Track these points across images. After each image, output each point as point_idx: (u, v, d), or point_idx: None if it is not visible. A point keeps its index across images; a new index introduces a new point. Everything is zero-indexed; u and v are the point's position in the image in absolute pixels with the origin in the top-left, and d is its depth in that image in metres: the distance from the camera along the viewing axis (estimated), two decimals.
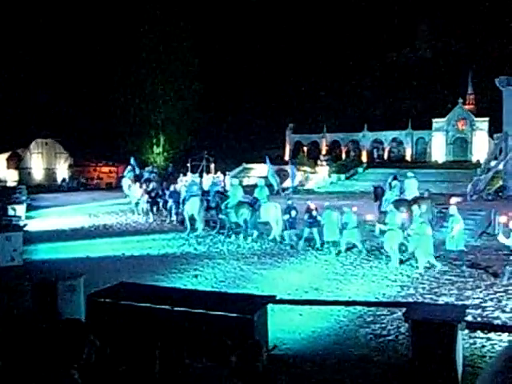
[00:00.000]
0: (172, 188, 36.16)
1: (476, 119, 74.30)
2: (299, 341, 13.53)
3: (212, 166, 61.30)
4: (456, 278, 19.34)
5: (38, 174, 72.58)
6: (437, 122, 76.49)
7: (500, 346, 12.79)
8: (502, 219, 21.73)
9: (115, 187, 58.53)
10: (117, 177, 68.75)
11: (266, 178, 37.57)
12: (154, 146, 73.44)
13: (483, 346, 12.98)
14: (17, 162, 71.34)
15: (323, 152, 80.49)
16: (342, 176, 65.69)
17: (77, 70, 71.89)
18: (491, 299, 16.85)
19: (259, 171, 65.90)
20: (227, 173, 50.41)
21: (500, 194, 42.11)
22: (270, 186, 33.38)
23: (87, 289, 13.86)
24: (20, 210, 34.87)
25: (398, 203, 25.51)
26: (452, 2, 79.11)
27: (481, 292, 17.62)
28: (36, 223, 33.75)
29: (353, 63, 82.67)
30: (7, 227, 26.23)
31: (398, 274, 20.24)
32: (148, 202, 36.56)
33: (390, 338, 13.86)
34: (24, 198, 40.61)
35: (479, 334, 13.55)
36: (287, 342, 13.19)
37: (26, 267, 21.64)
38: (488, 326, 14.26)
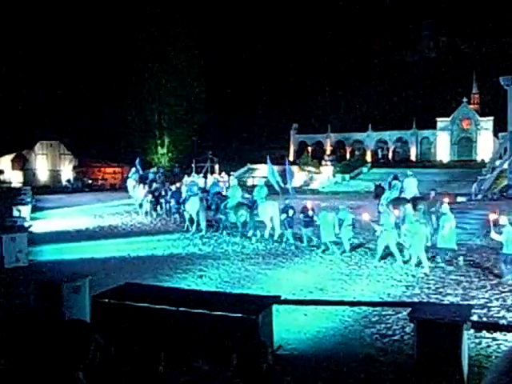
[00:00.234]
0: (174, 188, 36.27)
1: (480, 118, 74.24)
2: (304, 341, 13.52)
3: (216, 166, 61.33)
4: (461, 278, 19.32)
5: (42, 175, 72.60)
6: (441, 122, 76.46)
7: (506, 346, 12.77)
8: (492, 217, 21.98)
9: (120, 188, 58.51)
10: (121, 178, 68.79)
11: (267, 177, 37.65)
12: (159, 147, 73.49)
13: (489, 346, 12.96)
14: (22, 163, 71.32)
15: (328, 152, 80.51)
16: (347, 176, 65.69)
17: (81, 71, 71.95)
18: (497, 299, 16.82)
19: (264, 172, 65.92)
20: (232, 173, 50.43)
21: (505, 193, 42.03)
22: (270, 186, 33.50)
23: (92, 290, 13.87)
24: (25, 211, 34.91)
25: (397, 202, 25.65)
26: (456, 2, 79.04)
27: (486, 292, 17.59)
28: (41, 224, 33.77)
29: (357, 63, 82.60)
30: (12, 228, 26.29)
31: (403, 273, 20.22)
32: (151, 202, 36.72)
33: (395, 338, 13.84)
34: (29, 199, 40.62)
35: (485, 333, 13.53)
36: (292, 342, 13.18)
37: (31, 268, 21.68)
38: (493, 326, 14.23)
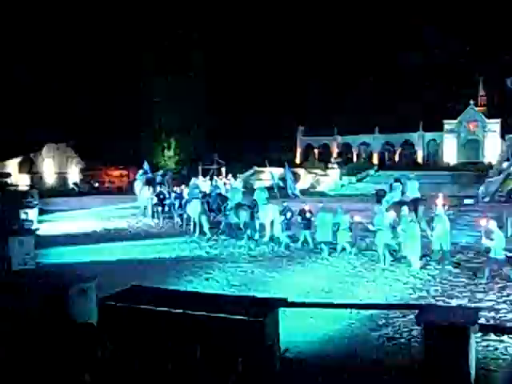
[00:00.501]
0: (179, 190, 36.52)
1: (488, 121, 74.07)
2: (311, 344, 13.51)
3: (223, 169, 61.36)
4: (468, 281, 19.30)
5: (49, 178, 72.73)
6: (448, 124, 76.35)
7: None
8: (483, 222, 22.31)
9: (126, 191, 58.56)
10: (128, 180, 68.86)
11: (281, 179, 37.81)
12: (166, 150, 73.58)
13: (496, 349, 12.95)
14: (29, 166, 71.44)
15: (334, 155, 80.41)
16: (353, 178, 65.60)
17: (88, 75, 72.03)
18: (504, 301, 16.80)
19: (269, 174, 65.92)
20: (238, 175, 50.54)
21: None
22: (283, 188, 33.75)
23: (99, 292, 13.88)
24: (32, 214, 34.94)
25: (398, 204, 25.74)
26: (463, 4, 78.88)
27: (493, 294, 17.57)
28: (48, 227, 33.85)
29: (364, 65, 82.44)
30: (19, 231, 26.31)
31: (409, 276, 20.21)
32: (155, 204, 36.92)
33: (402, 340, 13.83)
34: (36, 202, 40.63)
35: (492, 336, 13.50)
36: (299, 345, 13.16)
37: (39, 271, 21.70)
38: (501, 329, 14.21)
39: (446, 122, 76.23)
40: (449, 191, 40.72)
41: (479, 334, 12.70)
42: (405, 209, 23.60)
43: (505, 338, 13.53)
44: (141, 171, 43.32)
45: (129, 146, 68.49)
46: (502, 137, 70.41)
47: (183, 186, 38.17)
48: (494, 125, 73.06)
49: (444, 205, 27.16)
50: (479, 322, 11.92)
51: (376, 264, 22.21)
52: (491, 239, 19.43)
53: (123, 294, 13.11)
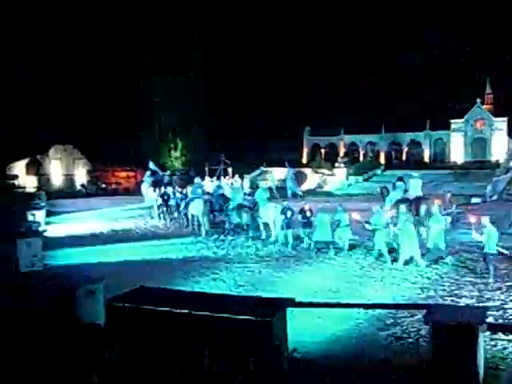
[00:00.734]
0: (184, 191, 36.69)
1: (495, 119, 74.09)
2: (319, 344, 13.49)
3: (229, 169, 61.40)
4: (476, 280, 19.24)
5: (56, 179, 72.85)
6: (455, 123, 76.39)
7: None
8: (473, 218, 22.57)
9: (134, 192, 58.65)
10: (135, 181, 68.98)
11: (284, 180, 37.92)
12: (172, 151, 73.64)
13: (505, 348, 12.90)
14: (36, 168, 71.57)
15: (341, 154, 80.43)
16: (360, 178, 65.65)
17: (94, 77, 72.15)
18: None
19: (276, 174, 65.92)
20: (245, 176, 50.58)
21: None
22: (282, 188, 33.93)
23: (107, 293, 13.89)
24: (39, 215, 35.02)
25: (400, 202, 25.85)
26: (466, 3, 78.82)
27: (502, 293, 17.51)
28: (55, 229, 33.90)
29: (370, 65, 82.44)
30: (27, 233, 26.36)
31: (417, 275, 20.16)
32: (160, 205, 37.09)
33: (410, 340, 13.80)
34: (43, 203, 40.71)
35: (500, 335, 13.45)
36: (307, 345, 13.15)
37: (46, 272, 21.74)
38: (510, 328, 14.17)
39: (452, 121, 76.28)
40: (456, 190, 40.67)
41: (487, 334, 12.66)
42: (402, 207, 23.75)
43: None
44: (148, 172, 43.39)
45: (129, 146, 68.61)
46: (509, 135, 70.44)
47: (188, 186, 38.33)
48: (501, 123, 73.07)
49: (452, 203, 27.33)
50: (487, 321, 11.90)
51: (384, 263, 22.19)
52: (481, 233, 19.77)
53: (130, 294, 13.12)
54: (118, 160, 73.62)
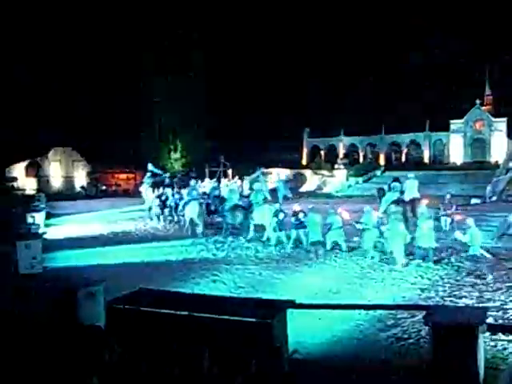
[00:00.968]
0: (181, 193, 36.92)
1: (494, 120, 74.06)
2: (319, 345, 13.49)
3: (229, 171, 61.43)
4: (476, 280, 19.25)
5: (56, 181, 72.95)
6: (454, 124, 76.36)
7: None
8: (458, 217, 22.80)
9: (133, 194, 58.68)
10: (135, 183, 69.02)
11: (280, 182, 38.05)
12: (172, 152, 73.62)
13: (505, 349, 12.90)
14: (35, 170, 71.65)
15: (340, 155, 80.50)
16: (360, 179, 65.69)
17: (93, 79, 72.13)
18: None
19: (276, 176, 65.90)
20: (244, 177, 50.59)
21: None
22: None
23: (107, 295, 13.89)
24: (39, 217, 35.02)
25: (396, 203, 26.10)
26: (466, 3, 78.82)
27: (502, 294, 17.52)
28: (55, 231, 33.92)
29: (369, 66, 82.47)
30: (26, 235, 26.34)
31: (417, 276, 20.19)
32: (158, 206, 37.32)
33: (410, 341, 13.80)
34: (43, 205, 40.73)
35: (501, 336, 13.45)
36: (307, 347, 13.15)
37: (46, 275, 21.73)
38: (510, 328, 14.17)
39: (452, 121, 76.27)
40: (456, 191, 40.70)
41: (488, 334, 12.66)
42: (392, 207, 24.30)
43: None
44: (148, 174, 43.43)
45: (129, 147, 68.58)
46: (509, 136, 70.39)
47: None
48: (501, 124, 73.04)
49: (452, 204, 27.48)
50: (487, 321, 11.90)
51: (386, 265, 22.22)
52: (464, 234, 20.31)
53: (131, 296, 13.11)
54: (118, 161, 73.68)
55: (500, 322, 14.95)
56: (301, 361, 12.14)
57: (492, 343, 13.08)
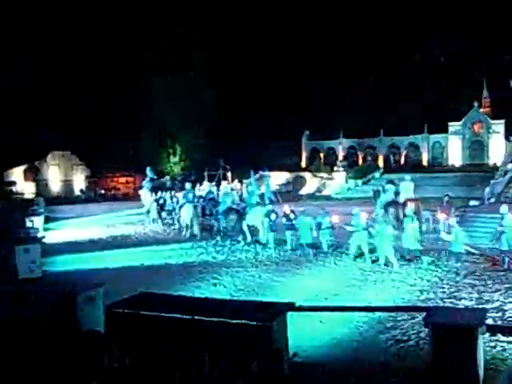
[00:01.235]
0: (178, 196, 37.16)
1: (492, 122, 74.07)
2: (319, 348, 13.51)
3: (229, 174, 61.43)
4: (475, 282, 19.29)
5: (55, 185, 72.94)
6: (453, 126, 76.37)
7: None
8: (442, 216, 23.14)
9: (132, 197, 58.66)
10: (134, 187, 69.00)
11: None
12: (171, 156, 73.62)
13: (504, 350, 12.92)
14: (34, 174, 71.63)
15: (340, 158, 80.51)
16: (359, 181, 65.70)
17: (92, 81, 72.08)
18: (511, 302, 16.77)
19: (276, 179, 65.97)
20: (244, 181, 50.58)
21: None
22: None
23: (106, 299, 13.88)
24: (38, 221, 35.04)
25: (389, 205, 26.33)
26: (465, 5, 78.82)
27: (501, 295, 17.55)
28: (54, 235, 33.92)
29: (365, 65, 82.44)
30: (25, 239, 26.36)
31: (417, 278, 20.21)
32: (156, 209, 37.52)
33: (410, 343, 13.81)
34: (41, 209, 40.77)
35: (500, 337, 13.47)
36: (307, 349, 13.16)
37: (45, 279, 21.74)
38: (509, 329, 14.18)
39: (450, 124, 76.28)
40: (454, 193, 40.68)
41: (487, 335, 12.67)
42: (379, 211, 25.54)
43: None
44: (147, 178, 43.50)
45: (129, 146, 68.50)
46: (507, 138, 70.40)
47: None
48: (499, 126, 73.07)
49: (450, 206, 27.64)
50: (487, 322, 11.90)
51: (386, 267, 22.26)
52: (449, 233, 21.09)
53: (130, 300, 13.12)
54: (117, 165, 73.62)
55: (499, 322, 14.97)
56: (301, 363, 12.16)
57: (491, 344, 13.10)
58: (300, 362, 12.25)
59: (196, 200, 34.17)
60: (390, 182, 31.35)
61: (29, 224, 33.78)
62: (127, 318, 12.12)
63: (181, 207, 33.55)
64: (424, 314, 11.91)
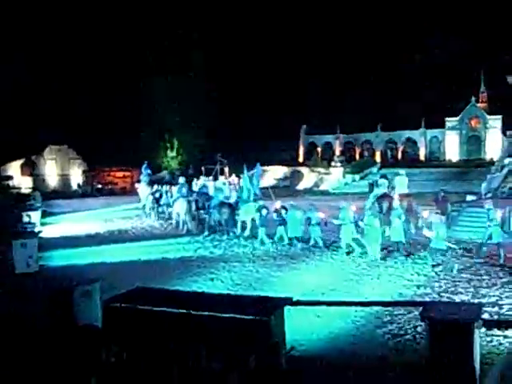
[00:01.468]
0: (173, 190, 37.28)
1: (489, 117, 74.18)
2: (317, 342, 13.54)
3: (226, 169, 61.41)
4: (472, 277, 19.35)
5: (52, 180, 72.88)
6: (450, 121, 76.45)
7: None
8: (425, 213, 23.49)
9: (130, 192, 58.66)
10: (131, 182, 68.96)
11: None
12: (168, 150, 73.59)
13: (500, 344, 12.96)
14: (31, 168, 71.56)
15: (337, 153, 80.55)
16: (357, 176, 65.71)
17: (89, 76, 72.02)
18: (507, 297, 16.84)
19: (273, 173, 66.16)
20: (241, 175, 50.58)
21: None
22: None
23: (103, 294, 13.88)
24: (35, 216, 35.00)
25: (381, 199, 26.58)
26: (464, 4, 78.89)
27: (497, 290, 17.61)
28: (51, 229, 33.92)
29: (365, 64, 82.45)
30: (22, 234, 26.34)
31: (414, 273, 20.27)
32: (151, 203, 37.62)
33: (407, 337, 13.84)
34: (39, 204, 40.75)
35: (496, 331, 13.51)
36: (305, 344, 13.20)
37: (42, 273, 21.75)
38: (505, 324, 14.23)
39: (447, 119, 76.36)
40: (451, 188, 40.75)
41: (483, 330, 12.71)
42: (367, 204, 25.97)
43: (509, 332, 13.54)
44: (145, 172, 43.52)
45: (129, 145, 68.47)
46: (504, 133, 70.45)
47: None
48: (496, 121, 73.16)
49: (447, 202, 27.77)
50: (483, 317, 11.94)
51: (385, 261, 22.33)
52: (431, 230, 21.13)
53: (128, 295, 13.10)
54: (115, 160, 73.55)
55: (495, 317, 15.02)
56: (298, 358, 12.17)
57: (488, 339, 13.14)
58: (297, 356, 12.27)
59: (189, 194, 34.30)
60: (383, 176, 31.62)
61: (26, 219, 33.75)
62: (124, 313, 12.12)
63: (174, 201, 33.76)
64: (421, 308, 11.93)
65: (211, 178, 46.59)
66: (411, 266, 21.31)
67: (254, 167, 34.23)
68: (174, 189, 36.65)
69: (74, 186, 72.52)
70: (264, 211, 27.56)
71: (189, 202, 32.48)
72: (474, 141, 75.58)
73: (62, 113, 68.95)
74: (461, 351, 10.23)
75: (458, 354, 10.22)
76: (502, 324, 14.15)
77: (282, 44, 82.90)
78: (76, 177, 74.32)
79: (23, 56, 68.32)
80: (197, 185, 40.58)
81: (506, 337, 13.30)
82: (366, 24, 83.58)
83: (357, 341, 13.72)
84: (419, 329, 13.70)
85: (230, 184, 41.11)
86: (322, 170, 68.99)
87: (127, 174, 74.99)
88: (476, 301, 16.27)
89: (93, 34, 71.50)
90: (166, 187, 39.17)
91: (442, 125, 77.02)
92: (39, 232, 29.90)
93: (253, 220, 29.08)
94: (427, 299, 16.51)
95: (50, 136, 68.57)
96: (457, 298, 16.78)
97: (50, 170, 73.20)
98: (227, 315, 11.16)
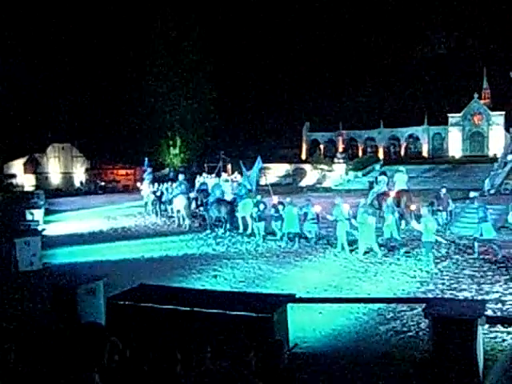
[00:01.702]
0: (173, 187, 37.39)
1: (492, 113, 74.09)
2: (319, 339, 13.53)
3: (229, 166, 61.43)
4: (475, 273, 19.30)
5: (55, 178, 72.94)
6: (453, 118, 76.35)
7: None
8: (413, 207, 23.56)
9: (132, 190, 58.67)
10: (134, 179, 68.98)
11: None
12: (171, 148, 73.57)
13: (504, 340, 12.93)
14: (34, 166, 71.63)
15: (340, 150, 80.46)
16: (359, 173, 65.66)
17: (92, 74, 72.13)
18: (511, 293, 16.79)
19: (276, 171, 66.17)
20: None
21: None
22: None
23: (107, 292, 13.90)
24: (38, 214, 35.04)
25: (381, 196, 26.60)
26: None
27: (500, 286, 17.56)
28: (54, 227, 33.92)
29: (368, 60, 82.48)
30: (26, 232, 26.37)
31: (416, 270, 20.22)
32: (153, 201, 37.70)
33: (410, 334, 13.82)
34: (42, 202, 40.80)
35: (499, 328, 13.49)
36: (308, 341, 13.18)
37: (45, 271, 21.77)
38: (508, 320, 14.21)
39: (450, 115, 76.23)
40: (454, 184, 40.71)
41: (486, 326, 12.69)
42: (361, 201, 25.45)
43: None
44: (148, 169, 43.58)
45: (132, 143, 68.53)
46: (507, 129, 70.38)
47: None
48: (498, 117, 73.11)
49: (448, 198, 27.85)
50: (486, 313, 11.93)
51: (388, 258, 22.32)
52: (419, 223, 21.33)
53: (131, 292, 13.13)
54: (118, 157, 73.65)
55: (499, 314, 14.99)
56: (301, 355, 12.17)
57: (491, 335, 13.12)
58: (300, 353, 12.26)
59: (189, 191, 34.40)
60: (383, 173, 31.68)
61: (29, 217, 33.80)
62: (128, 310, 12.14)
63: (173, 198, 33.96)
64: (424, 305, 11.93)
65: (213, 175, 46.54)
66: (414, 262, 21.26)
67: (255, 162, 34.19)
68: (174, 185, 36.74)
69: (77, 184, 72.54)
70: (261, 206, 27.66)
71: (188, 199, 32.60)
72: (476, 137, 75.54)
73: (65, 111, 69.01)
74: (464, 348, 10.23)
75: (462, 351, 10.21)
76: (506, 320, 14.13)
77: (284, 41, 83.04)
78: (79, 175, 74.36)
79: (26, 55, 68.37)
80: (198, 182, 40.60)
81: (509, 333, 13.28)
82: (369, 20, 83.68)
83: (360, 337, 13.70)
84: (422, 325, 13.67)
85: (232, 181, 41.05)
86: (324, 166, 68.95)
87: (130, 171, 75.01)
88: (479, 297, 16.25)
89: (97, 33, 71.65)
90: (166, 184, 39.19)
91: (444, 121, 76.93)
92: (42, 230, 29.97)
93: (252, 216, 29.12)
94: (430, 296, 16.48)
95: (53, 134, 68.65)
96: (460, 295, 16.74)
97: (53, 168, 73.26)
98: (230, 312, 11.17)
